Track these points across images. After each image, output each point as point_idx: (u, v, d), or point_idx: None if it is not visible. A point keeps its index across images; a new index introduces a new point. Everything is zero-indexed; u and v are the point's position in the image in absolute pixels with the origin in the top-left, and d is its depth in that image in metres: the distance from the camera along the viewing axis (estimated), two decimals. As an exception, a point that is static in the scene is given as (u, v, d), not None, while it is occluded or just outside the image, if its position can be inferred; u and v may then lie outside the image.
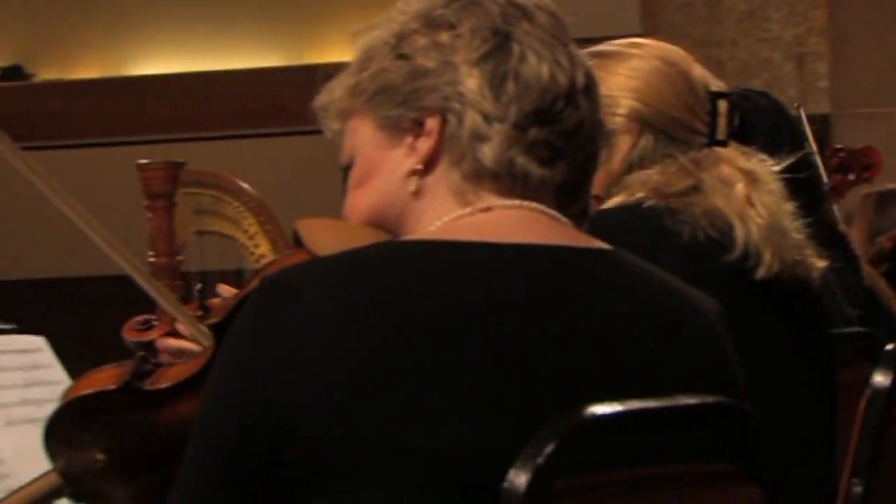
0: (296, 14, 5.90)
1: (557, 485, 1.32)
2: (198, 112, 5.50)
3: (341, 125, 1.61)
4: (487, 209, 1.52)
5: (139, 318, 1.68)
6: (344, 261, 1.45)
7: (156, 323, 1.67)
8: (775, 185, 2.18)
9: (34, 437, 1.72)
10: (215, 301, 1.66)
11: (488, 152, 1.51)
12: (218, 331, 1.58)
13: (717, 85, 2.28)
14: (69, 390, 1.67)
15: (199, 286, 1.73)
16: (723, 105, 2.22)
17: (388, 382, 1.37)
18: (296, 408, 1.38)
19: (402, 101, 1.54)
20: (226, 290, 1.80)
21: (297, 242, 1.58)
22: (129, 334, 1.68)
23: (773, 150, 2.28)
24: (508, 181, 1.52)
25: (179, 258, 2.63)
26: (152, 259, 2.60)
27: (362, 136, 1.59)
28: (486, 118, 1.51)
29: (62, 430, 1.65)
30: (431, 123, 1.53)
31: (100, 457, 1.63)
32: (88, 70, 5.98)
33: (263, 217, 2.72)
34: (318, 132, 1.66)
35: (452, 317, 1.41)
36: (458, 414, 1.38)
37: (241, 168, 2.81)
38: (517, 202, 1.53)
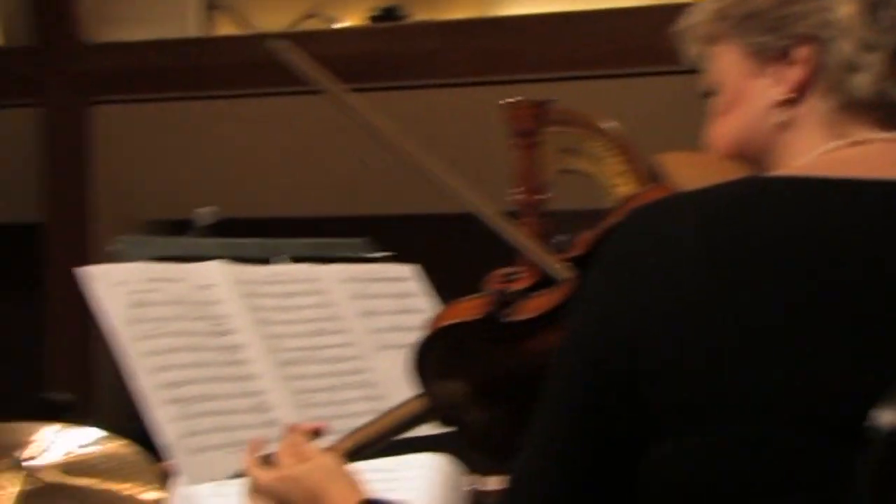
0: (666, -48, 5.85)
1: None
2: (566, 52, 5.54)
3: (702, 50, 1.58)
4: (862, 142, 1.47)
5: (504, 271, 1.71)
6: (706, 196, 1.42)
7: (519, 275, 1.69)
8: None
9: (404, 362, 1.79)
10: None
11: (862, 82, 1.47)
12: (579, 264, 1.59)
13: None
14: (433, 320, 1.72)
15: (558, 238, 1.74)
16: None
17: (745, 321, 1.36)
18: (654, 344, 1.37)
19: (770, 27, 1.50)
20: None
21: (656, 177, 1.58)
22: (494, 287, 1.71)
23: None
24: (883, 113, 1.47)
25: (543, 197, 2.67)
26: (516, 198, 2.66)
27: (727, 64, 1.55)
28: (860, 46, 1.46)
29: (425, 358, 1.71)
30: (801, 52, 1.49)
31: (459, 384, 1.69)
32: (461, 10, 6.09)
33: (628, 157, 2.72)
34: (685, 72, 1.65)
35: (817, 258, 1.37)
36: (813, 354, 1.35)
37: (607, 108, 2.83)
38: (895, 135, 1.47)
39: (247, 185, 5.54)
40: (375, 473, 1.84)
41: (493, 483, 2.42)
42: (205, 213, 3.49)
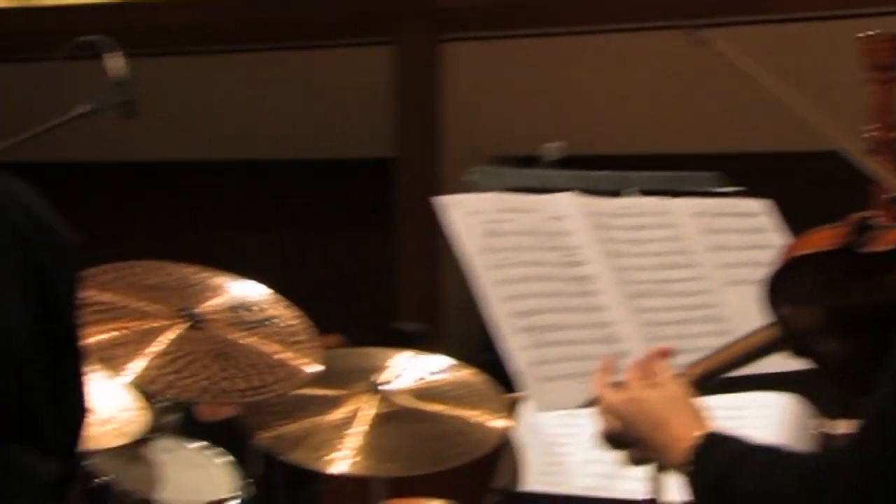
0: None
1: None
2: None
3: None
4: None
5: (861, 214, 1.67)
6: None
7: (878, 217, 1.64)
8: None
9: (753, 297, 1.78)
10: None
11: None
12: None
13: None
14: (788, 250, 1.70)
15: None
16: None
17: None
18: None
19: None
20: None
21: None
22: (852, 220, 1.66)
23: None
24: None
25: (901, 133, 2.58)
26: (871, 133, 2.59)
27: None
28: None
29: (779, 287, 1.70)
30: None
31: (812, 314, 1.66)
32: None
33: None
34: None
35: None
36: None
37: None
38: None
39: (592, 121, 5.56)
40: (723, 410, 1.84)
41: (842, 427, 2.38)
42: (552, 149, 3.54)
